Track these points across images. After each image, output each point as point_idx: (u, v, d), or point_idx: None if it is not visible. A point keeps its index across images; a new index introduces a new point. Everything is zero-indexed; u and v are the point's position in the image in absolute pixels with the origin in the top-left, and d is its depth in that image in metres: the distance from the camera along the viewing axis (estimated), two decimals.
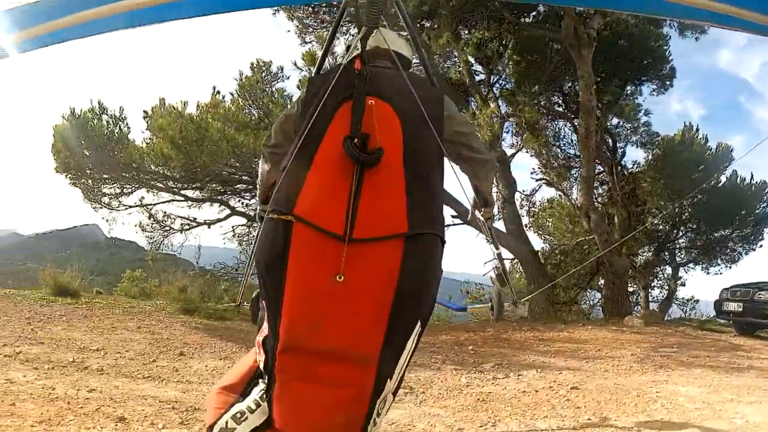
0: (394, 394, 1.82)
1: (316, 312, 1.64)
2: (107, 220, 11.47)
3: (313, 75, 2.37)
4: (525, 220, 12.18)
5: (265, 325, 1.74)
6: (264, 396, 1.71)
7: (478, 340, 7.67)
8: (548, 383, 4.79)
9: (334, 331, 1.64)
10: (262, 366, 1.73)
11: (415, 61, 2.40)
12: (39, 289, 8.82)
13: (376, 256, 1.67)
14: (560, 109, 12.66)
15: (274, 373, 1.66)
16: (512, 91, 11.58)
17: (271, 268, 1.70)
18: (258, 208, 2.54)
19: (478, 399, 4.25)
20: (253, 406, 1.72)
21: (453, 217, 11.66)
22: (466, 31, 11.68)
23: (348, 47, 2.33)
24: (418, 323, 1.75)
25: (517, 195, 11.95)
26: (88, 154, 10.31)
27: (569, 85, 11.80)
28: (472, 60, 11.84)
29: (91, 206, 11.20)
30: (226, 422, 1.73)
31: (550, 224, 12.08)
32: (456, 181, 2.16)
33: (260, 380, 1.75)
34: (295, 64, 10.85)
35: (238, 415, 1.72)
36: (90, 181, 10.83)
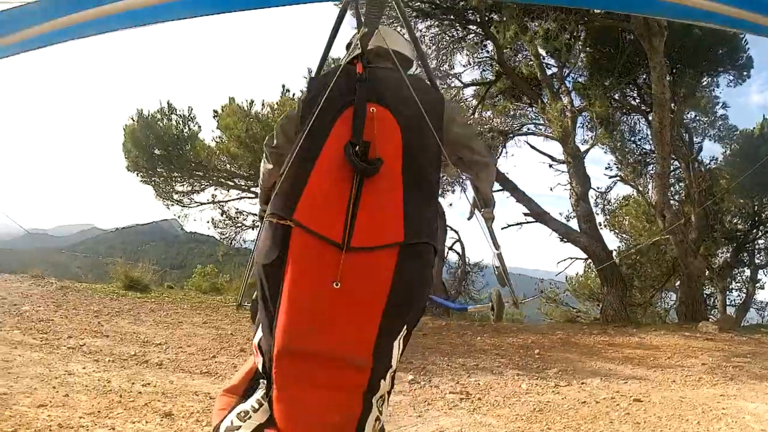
0: (389, 393, 1.86)
1: (313, 317, 1.70)
2: (179, 217, 11.76)
3: (313, 76, 2.41)
4: (599, 219, 11.81)
5: (260, 327, 1.80)
6: (264, 396, 1.75)
7: (545, 343, 7.57)
8: (611, 393, 4.74)
9: (331, 336, 1.70)
10: (260, 368, 1.79)
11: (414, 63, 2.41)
12: (111, 283, 9.21)
13: (372, 264, 1.73)
14: (634, 103, 12.13)
15: (272, 375, 1.70)
16: (584, 84, 11.20)
17: (270, 271, 1.75)
18: (259, 208, 2.55)
19: (535, 408, 4.28)
20: (256, 406, 1.75)
21: (525, 215, 11.52)
22: (535, 24, 11.41)
23: (348, 45, 2.35)
24: (404, 328, 1.82)
25: (591, 192, 11.56)
26: (158, 153, 10.66)
27: (643, 77, 11.27)
28: (543, 53, 11.53)
29: (163, 203, 11.51)
30: (231, 421, 1.76)
31: (625, 222, 11.65)
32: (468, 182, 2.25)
33: (260, 381, 1.80)
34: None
35: (242, 414, 1.75)
36: (160, 179, 11.12)
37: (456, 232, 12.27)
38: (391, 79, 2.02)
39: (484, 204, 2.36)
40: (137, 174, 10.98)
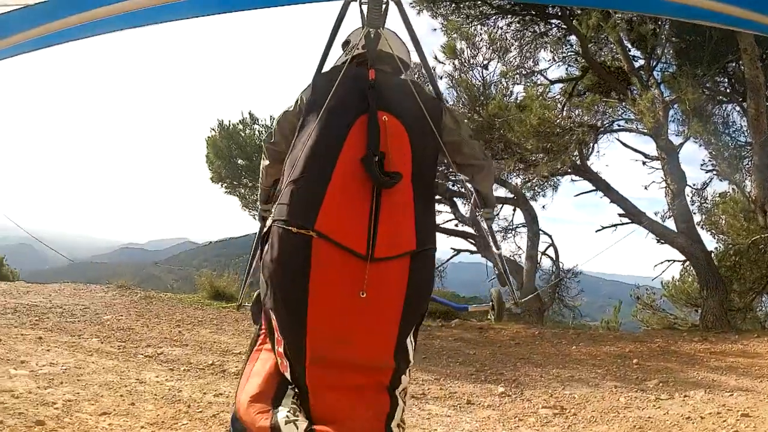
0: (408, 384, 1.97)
1: (343, 327, 1.77)
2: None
3: (316, 74, 2.38)
4: (697, 218, 11.07)
5: (280, 333, 1.81)
6: (296, 401, 1.79)
7: (644, 352, 7.30)
8: (716, 408, 4.54)
9: (360, 344, 1.78)
10: (288, 375, 1.81)
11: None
12: (197, 293, 9.42)
13: (390, 272, 1.81)
14: (727, 91, 11.36)
15: (305, 383, 1.77)
16: (673, 74, 10.61)
17: (291, 281, 1.78)
18: (259, 207, 2.58)
19: (635, 425, 4.17)
20: (294, 410, 1.77)
21: (620, 215, 11.03)
22: (618, 15, 10.95)
23: (345, 43, 2.38)
24: (415, 326, 1.95)
25: (687, 190, 10.92)
26: (241, 163, 10.86)
27: (733, 65, 10.54)
28: (628, 45, 11.04)
29: (249, 214, 11.54)
30: (285, 419, 1.74)
31: (723, 221, 10.92)
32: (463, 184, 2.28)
33: (288, 387, 1.83)
34: (436, 58, 10.73)
35: (290, 415, 1.76)
36: (245, 189, 11.24)
37: (549, 236, 11.96)
38: (395, 85, 2.08)
39: (484, 204, 2.43)
40: (221, 185, 11.26)
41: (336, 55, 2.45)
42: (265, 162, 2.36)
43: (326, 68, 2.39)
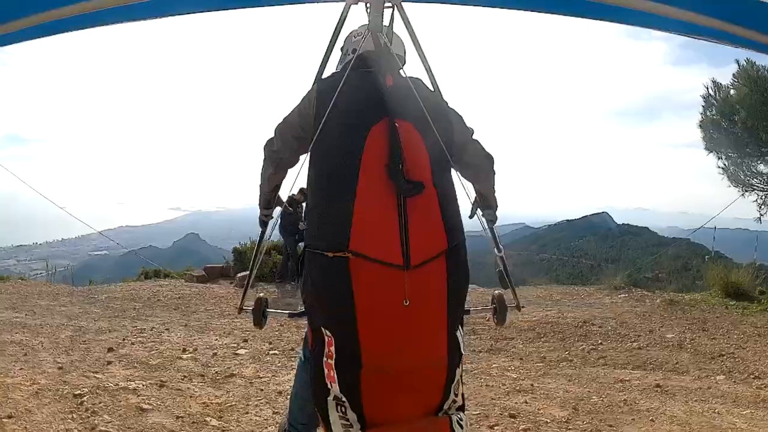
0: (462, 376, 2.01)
1: (392, 337, 1.79)
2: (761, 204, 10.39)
3: (318, 79, 2.41)
4: None
5: (332, 350, 1.83)
6: (345, 409, 1.82)
7: None
8: None
9: (410, 350, 1.81)
10: (338, 386, 1.82)
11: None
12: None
13: (429, 274, 1.84)
14: None
15: (359, 391, 1.80)
16: None
17: (337, 304, 1.80)
18: (260, 212, 2.61)
19: None
20: (346, 422, 1.84)
21: None
22: None
23: (342, 47, 2.40)
24: (463, 316, 2.02)
25: None
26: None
27: None
28: None
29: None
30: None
31: None
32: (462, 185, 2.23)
33: (327, 399, 1.86)
34: None
35: (344, 423, 1.84)
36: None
37: None
38: (403, 88, 2.07)
39: (486, 205, 2.45)
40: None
41: (335, 56, 2.46)
42: (269, 170, 2.37)
43: (326, 73, 2.45)
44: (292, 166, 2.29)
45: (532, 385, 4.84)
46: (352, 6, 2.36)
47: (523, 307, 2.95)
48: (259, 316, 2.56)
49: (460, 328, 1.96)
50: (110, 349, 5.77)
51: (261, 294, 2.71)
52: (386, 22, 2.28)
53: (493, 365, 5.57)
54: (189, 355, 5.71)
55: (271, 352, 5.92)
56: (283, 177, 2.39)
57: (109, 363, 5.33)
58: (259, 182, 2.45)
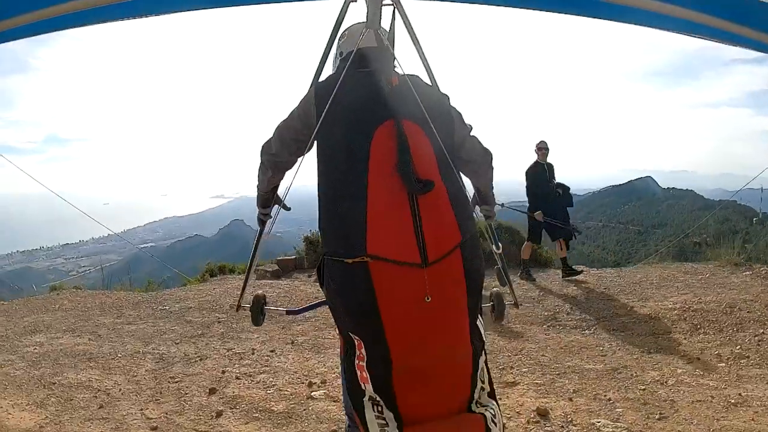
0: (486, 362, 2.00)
1: (418, 334, 1.80)
2: None
3: (315, 83, 2.40)
4: None
5: (363, 351, 1.84)
6: (381, 408, 1.83)
7: None
8: None
9: (436, 345, 1.83)
10: (370, 387, 1.83)
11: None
12: None
13: (446, 268, 1.84)
14: None
15: (392, 389, 1.80)
16: None
17: (361, 307, 1.80)
18: (258, 211, 2.61)
19: None
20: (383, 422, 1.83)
21: None
22: None
23: (333, 40, 2.42)
24: (482, 305, 2.03)
25: None
26: None
27: None
28: None
29: None
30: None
31: None
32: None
33: (363, 399, 1.86)
34: None
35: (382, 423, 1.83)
36: None
37: None
38: (404, 87, 2.04)
39: (484, 201, 2.48)
40: None
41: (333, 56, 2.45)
42: (267, 174, 2.36)
43: (324, 71, 2.52)
44: (290, 168, 2.32)
45: (739, 394, 3.97)
46: (351, 4, 2.37)
47: (520, 304, 3.17)
48: (257, 314, 2.74)
49: (479, 316, 1.99)
50: (212, 390, 4.27)
51: (259, 291, 2.87)
52: (385, 20, 2.28)
53: (679, 370, 4.58)
54: (321, 392, 4.18)
55: None
56: (281, 178, 2.40)
57: (219, 414, 3.85)
58: (257, 183, 2.45)
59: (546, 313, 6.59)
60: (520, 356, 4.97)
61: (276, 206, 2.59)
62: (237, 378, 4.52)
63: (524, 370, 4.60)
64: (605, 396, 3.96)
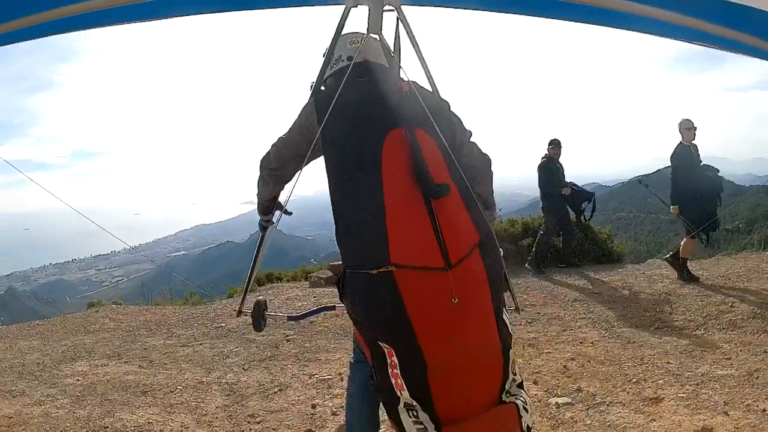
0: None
1: (448, 335, 1.80)
2: None
3: (315, 91, 2.37)
4: None
5: (395, 359, 1.81)
6: (417, 412, 1.80)
7: None
8: None
9: (468, 343, 1.83)
10: (407, 393, 1.80)
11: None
12: None
13: (469, 269, 1.86)
14: None
15: (429, 390, 1.79)
16: None
17: (390, 316, 1.78)
18: (260, 218, 2.59)
19: None
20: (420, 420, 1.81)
21: None
22: None
23: (327, 52, 2.37)
24: (504, 297, 2.03)
25: None
26: None
27: None
28: None
29: None
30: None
31: None
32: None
33: (398, 407, 1.83)
34: None
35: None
36: None
37: None
38: (411, 94, 2.05)
39: (484, 206, 2.34)
40: None
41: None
42: (268, 187, 2.35)
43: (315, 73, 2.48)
44: (290, 179, 2.32)
45: None
46: (352, 9, 2.34)
47: (522, 309, 3.27)
48: (258, 320, 2.76)
49: (504, 309, 1.98)
50: None
51: (260, 297, 2.90)
52: (386, 26, 2.32)
53: None
54: None
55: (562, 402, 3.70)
56: (282, 189, 2.40)
57: None
58: (257, 192, 2.43)
59: (647, 314, 5.95)
60: (646, 365, 4.38)
61: (278, 212, 2.58)
62: (334, 414, 3.65)
63: (660, 382, 4.00)
64: (757, 406, 3.44)
